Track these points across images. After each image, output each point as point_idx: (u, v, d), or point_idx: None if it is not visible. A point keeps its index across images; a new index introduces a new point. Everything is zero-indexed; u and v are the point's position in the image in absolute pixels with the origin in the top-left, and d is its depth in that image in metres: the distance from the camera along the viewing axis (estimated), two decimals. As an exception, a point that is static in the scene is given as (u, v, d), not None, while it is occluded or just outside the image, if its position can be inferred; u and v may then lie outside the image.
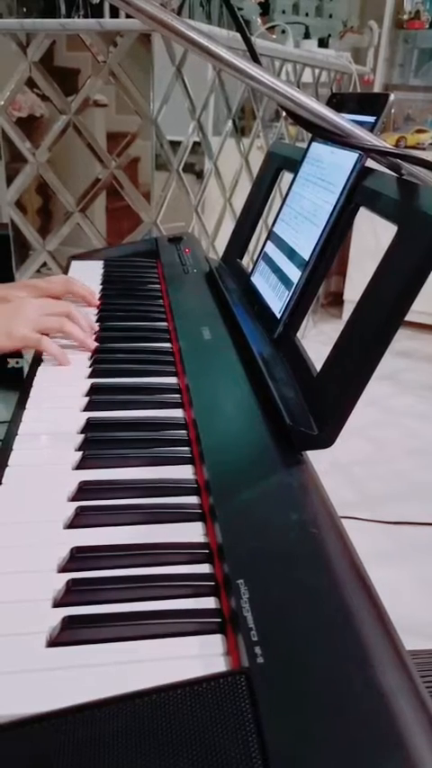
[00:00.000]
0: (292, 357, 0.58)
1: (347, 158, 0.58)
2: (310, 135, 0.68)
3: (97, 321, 0.75)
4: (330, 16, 2.89)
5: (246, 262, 0.88)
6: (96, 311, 0.77)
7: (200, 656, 0.33)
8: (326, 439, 0.46)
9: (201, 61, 0.54)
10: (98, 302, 0.79)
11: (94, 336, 0.69)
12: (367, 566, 0.37)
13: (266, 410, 0.52)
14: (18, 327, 0.62)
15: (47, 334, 0.64)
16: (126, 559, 0.39)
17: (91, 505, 0.43)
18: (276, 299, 0.64)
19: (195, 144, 1.71)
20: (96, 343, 0.67)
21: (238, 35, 0.63)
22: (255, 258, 0.77)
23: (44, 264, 1.74)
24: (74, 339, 0.66)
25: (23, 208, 1.72)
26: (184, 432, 0.53)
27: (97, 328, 0.70)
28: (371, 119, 0.58)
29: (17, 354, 1.80)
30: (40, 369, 0.63)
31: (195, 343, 0.67)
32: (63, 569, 0.38)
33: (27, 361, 0.65)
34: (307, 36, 2.58)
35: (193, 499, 0.45)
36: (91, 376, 0.63)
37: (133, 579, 0.37)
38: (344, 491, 1.68)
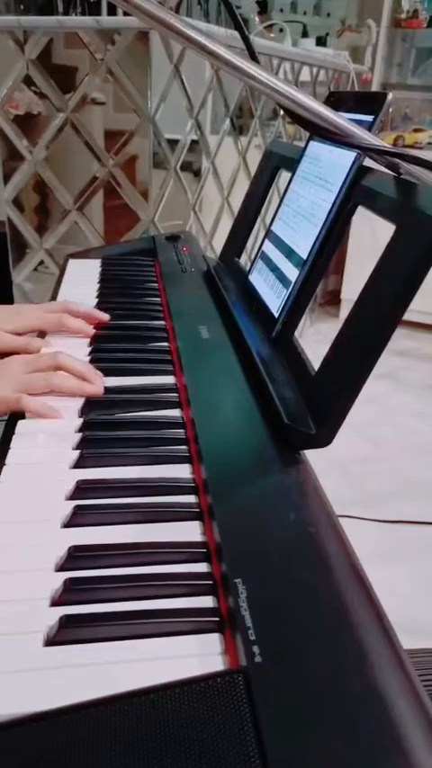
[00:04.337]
0: (289, 356, 0.58)
1: (345, 157, 0.58)
2: (307, 134, 0.68)
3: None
4: (328, 15, 2.89)
5: (244, 260, 0.87)
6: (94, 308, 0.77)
7: (198, 656, 0.33)
8: (324, 438, 0.46)
9: (199, 59, 0.54)
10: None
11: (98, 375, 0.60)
12: (365, 565, 0.37)
13: (264, 409, 0.52)
14: None
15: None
16: (124, 558, 0.39)
17: (89, 504, 0.43)
18: (274, 298, 0.64)
19: (193, 142, 1.71)
20: (100, 386, 0.59)
21: (236, 33, 0.63)
22: (253, 257, 0.77)
23: (41, 263, 1.74)
24: (66, 394, 0.58)
25: (21, 206, 1.72)
26: (181, 431, 0.53)
27: (101, 376, 0.60)
28: (369, 117, 0.58)
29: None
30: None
31: (193, 342, 0.67)
32: (61, 568, 0.38)
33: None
34: (305, 35, 2.58)
35: (191, 498, 0.45)
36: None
37: (131, 578, 0.37)
38: (342, 490, 1.68)
